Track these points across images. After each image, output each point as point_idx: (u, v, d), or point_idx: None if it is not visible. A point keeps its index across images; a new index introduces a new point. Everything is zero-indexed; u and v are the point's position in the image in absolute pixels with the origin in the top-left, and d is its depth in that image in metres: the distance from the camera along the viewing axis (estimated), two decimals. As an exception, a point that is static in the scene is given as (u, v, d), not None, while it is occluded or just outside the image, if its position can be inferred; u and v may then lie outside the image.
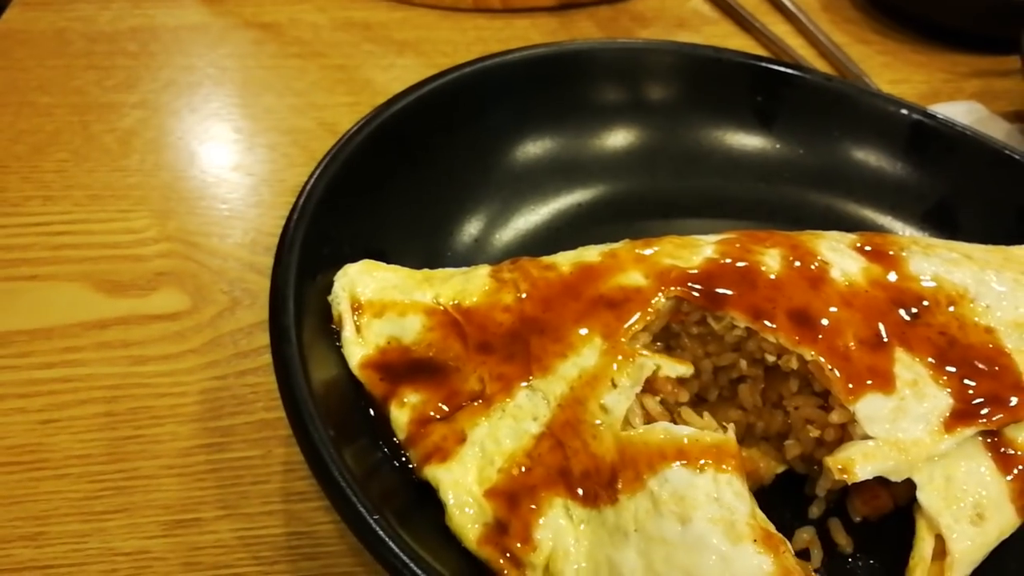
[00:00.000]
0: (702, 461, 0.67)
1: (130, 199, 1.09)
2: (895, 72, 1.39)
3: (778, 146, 1.09)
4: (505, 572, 0.67)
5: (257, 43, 1.36)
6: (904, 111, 1.05)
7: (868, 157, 1.06)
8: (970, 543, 0.71)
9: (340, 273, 0.82)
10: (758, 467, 0.77)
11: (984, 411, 0.74)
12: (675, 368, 0.74)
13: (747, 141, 1.09)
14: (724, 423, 0.74)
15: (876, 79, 1.34)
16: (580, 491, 0.68)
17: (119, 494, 0.81)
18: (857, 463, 0.71)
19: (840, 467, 0.71)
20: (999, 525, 0.73)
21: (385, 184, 0.92)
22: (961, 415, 0.74)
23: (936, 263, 0.83)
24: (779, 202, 1.06)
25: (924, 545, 0.72)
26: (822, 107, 1.08)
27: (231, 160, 1.16)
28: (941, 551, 0.72)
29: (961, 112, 1.24)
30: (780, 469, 0.79)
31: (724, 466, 0.67)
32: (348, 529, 0.65)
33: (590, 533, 0.67)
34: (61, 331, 0.94)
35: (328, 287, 0.82)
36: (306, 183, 0.84)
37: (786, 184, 1.06)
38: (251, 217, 1.08)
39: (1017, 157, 1.00)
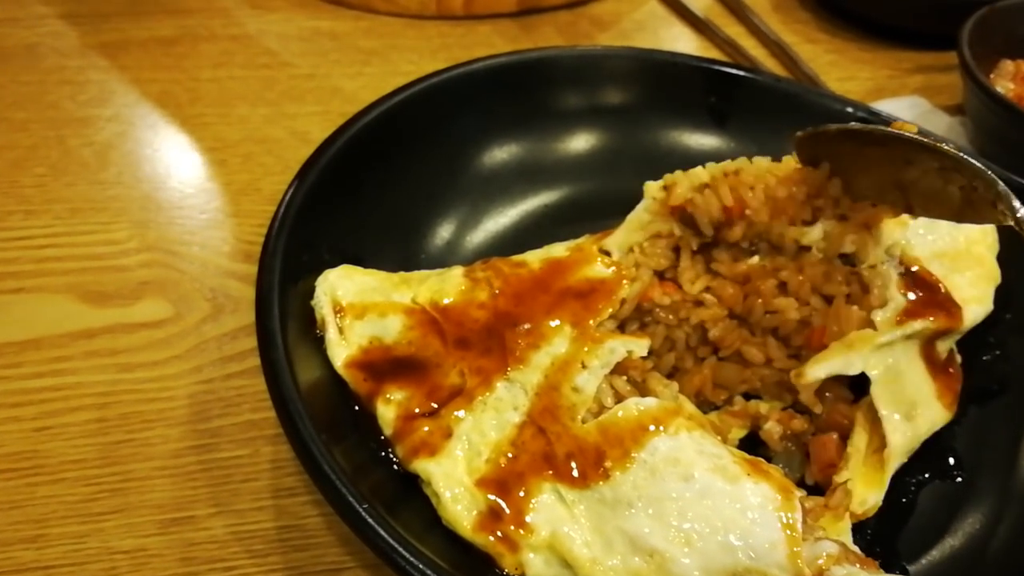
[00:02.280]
0: (674, 425, 0.74)
1: (110, 211, 1.12)
2: (842, 70, 1.45)
3: (732, 144, 1.14)
4: (501, 555, 0.72)
5: (227, 54, 1.39)
6: (848, 109, 1.11)
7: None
8: (903, 436, 0.83)
9: (321, 278, 0.86)
10: (724, 432, 0.84)
11: (929, 312, 0.86)
12: (636, 344, 0.80)
13: (703, 140, 1.15)
14: (686, 385, 0.84)
15: (825, 77, 1.41)
16: (567, 473, 0.73)
17: (115, 496, 0.85)
18: (810, 365, 0.81)
19: (796, 372, 0.81)
20: (929, 420, 0.86)
21: (360, 192, 0.96)
22: (910, 313, 0.85)
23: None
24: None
25: (859, 438, 0.83)
26: (772, 106, 1.13)
27: (208, 170, 1.20)
28: (875, 447, 0.83)
29: (905, 107, 1.31)
30: (743, 433, 0.86)
31: (690, 423, 0.75)
32: (339, 520, 0.69)
33: (588, 511, 0.72)
34: (50, 341, 0.97)
35: (310, 292, 0.86)
36: (285, 193, 0.88)
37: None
38: (230, 226, 1.12)
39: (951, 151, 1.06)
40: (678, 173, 0.88)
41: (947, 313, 0.88)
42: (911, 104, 1.33)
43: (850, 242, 0.85)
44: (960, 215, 0.79)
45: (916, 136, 0.79)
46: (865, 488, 0.82)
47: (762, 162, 0.88)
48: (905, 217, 0.87)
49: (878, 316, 0.84)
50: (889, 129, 0.80)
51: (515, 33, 1.49)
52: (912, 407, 0.85)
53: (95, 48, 1.38)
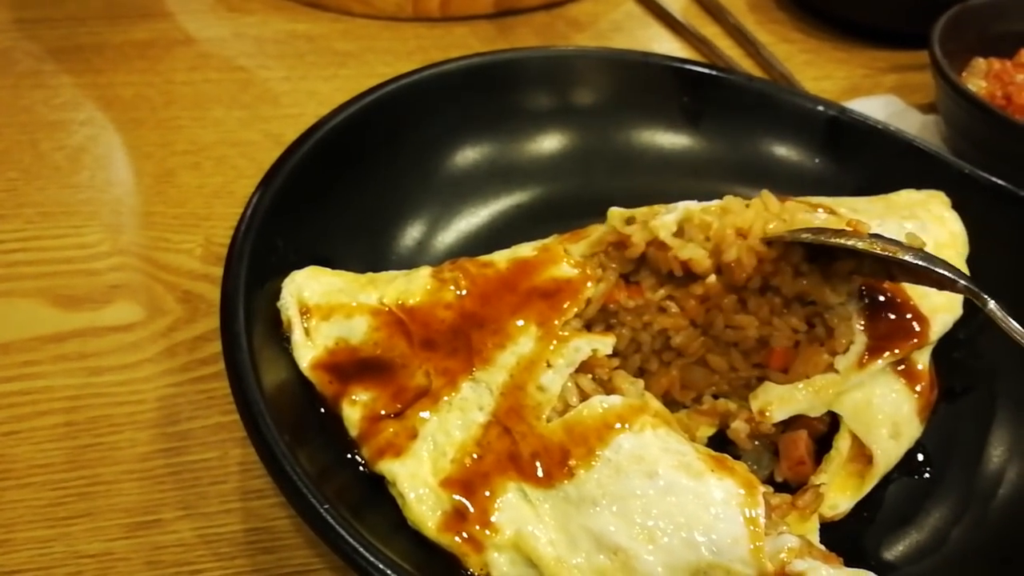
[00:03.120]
0: (639, 422, 0.74)
1: (82, 215, 1.12)
2: (818, 69, 1.46)
3: (705, 144, 1.14)
4: (466, 555, 0.71)
5: (202, 57, 1.39)
6: (820, 108, 1.12)
7: (789, 152, 1.13)
8: (889, 455, 0.84)
9: (288, 280, 0.86)
10: (692, 430, 0.84)
11: (892, 344, 0.85)
12: (601, 342, 0.80)
13: (676, 140, 1.15)
14: (653, 385, 0.83)
15: (800, 76, 1.41)
16: (532, 472, 0.73)
17: (82, 500, 0.84)
18: (775, 406, 0.81)
19: (760, 410, 0.81)
20: (910, 437, 0.86)
21: (329, 193, 0.96)
22: (872, 351, 0.85)
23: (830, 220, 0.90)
24: (707, 196, 1.10)
25: (843, 442, 0.84)
26: (745, 106, 1.14)
27: (181, 173, 1.19)
28: (856, 454, 0.84)
29: (879, 106, 1.31)
30: (712, 431, 0.86)
31: (655, 420, 0.75)
32: (303, 522, 0.69)
33: (553, 510, 0.72)
34: (19, 346, 0.96)
35: (276, 294, 0.86)
36: (252, 195, 0.88)
37: (713, 179, 1.12)
38: (203, 229, 1.11)
39: (926, 149, 1.07)
40: (645, 211, 0.86)
41: (913, 337, 0.87)
42: (885, 103, 1.33)
43: (809, 294, 0.84)
44: (940, 287, 0.80)
45: (875, 251, 0.78)
46: (839, 493, 0.83)
47: (749, 210, 0.85)
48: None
49: (840, 363, 0.84)
50: (844, 243, 0.79)
51: (492, 34, 1.49)
52: (896, 427, 0.85)
53: (70, 52, 1.37)
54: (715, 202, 0.84)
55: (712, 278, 0.81)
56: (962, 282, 0.76)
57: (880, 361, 0.84)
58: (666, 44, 1.50)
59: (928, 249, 0.91)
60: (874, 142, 1.09)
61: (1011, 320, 0.73)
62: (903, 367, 0.86)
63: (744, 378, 0.86)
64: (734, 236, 0.80)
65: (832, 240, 0.79)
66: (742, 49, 1.49)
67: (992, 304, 0.74)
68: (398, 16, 1.49)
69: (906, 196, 1.00)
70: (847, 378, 0.83)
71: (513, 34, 1.50)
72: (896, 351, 0.85)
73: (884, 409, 0.84)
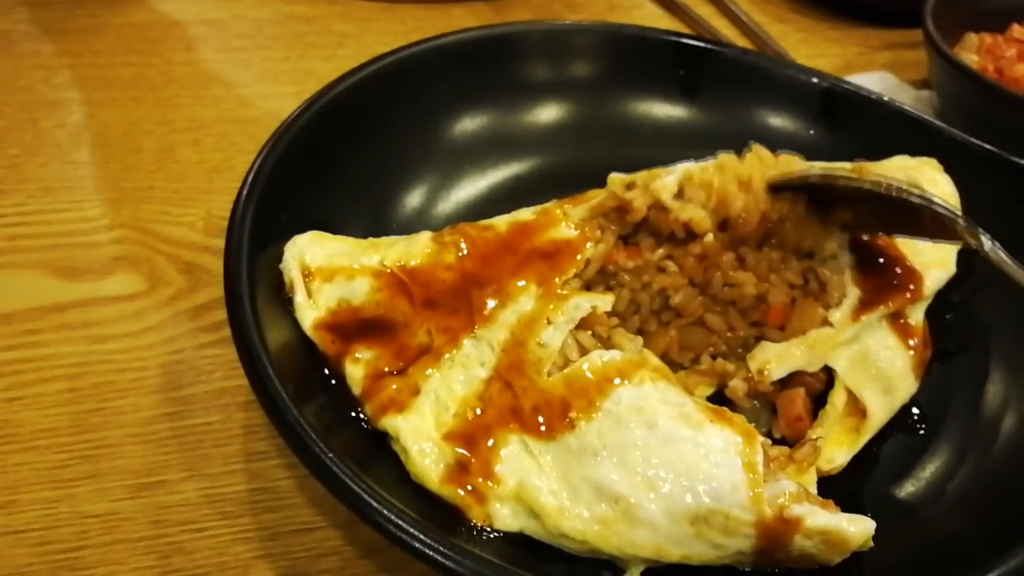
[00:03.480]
0: (638, 376, 0.75)
1: (83, 190, 1.12)
2: (812, 47, 1.47)
3: (701, 116, 1.16)
4: (469, 507, 0.72)
5: (202, 39, 1.40)
6: (815, 80, 1.13)
7: (784, 123, 1.14)
8: (883, 409, 0.85)
9: (290, 244, 0.87)
10: (691, 390, 0.84)
11: (885, 297, 0.87)
12: (601, 299, 0.81)
13: (672, 112, 1.16)
14: (651, 346, 0.84)
15: (795, 55, 1.42)
16: (534, 425, 0.74)
17: (86, 462, 0.85)
18: (773, 364, 0.82)
19: (758, 369, 0.81)
20: (904, 392, 0.87)
21: (330, 162, 0.97)
22: (866, 304, 0.86)
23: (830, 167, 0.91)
24: (704, 164, 1.12)
25: (838, 397, 0.85)
26: (739, 79, 1.15)
27: (182, 149, 1.20)
28: (851, 409, 0.85)
29: (873, 82, 1.33)
30: (710, 391, 0.87)
31: (655, 375, 0.76)
32: (310, 481, 0.69)
33: (554, 461, 0.73)
34: (21, 315, 0.97)
35: (279, 258, 0.86)
36: (255, 161, 0.89)
37: (709, 150, 1.10)
38: (203, 203, 1.12)
39: (919, 118, 1.08)
40: (645, 175, 0.86)
41: (906, 291, 0.89)
42: (879, 79, 1.34)
43: (807, 243, 0.86)
44: (935, 236, 0.81)
45: (880, 190, 0.80)
46: (835, 447, 0.84)
47: (746, 162, 0.86)
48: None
49: (835, 316, 0.86)
50: (852, 182, 0.81)
51: (489, 16, 1.50)
52: (889, 382, 0.86)
53: (69, 33, 1.38)
54: (711, 160, 0.85)
55: (710, 236, 0.81)
56: (962, 221, 0.76)
57: (874, 314, 0.85)
58: (661, 24, 1.51)
59: None
60: (868, 112, 1.10)
61: (1009, 257, 0.74)
62: (898, 323, 0.88)
63: (742, 338, 0.87)
64: (737, 189, 0.81)
65: (842, 181, 0.79)
66: (737, 29, 1.50)
67: (988, 244, 0.74)
68: (395, -3, 1.50)
69: (899, 161, 1.02)
70: (841, 331, 0.84)
71: (510, 15, 1.51)
72: (889, 304, 0.87)
73: (878, 364, 0.86)
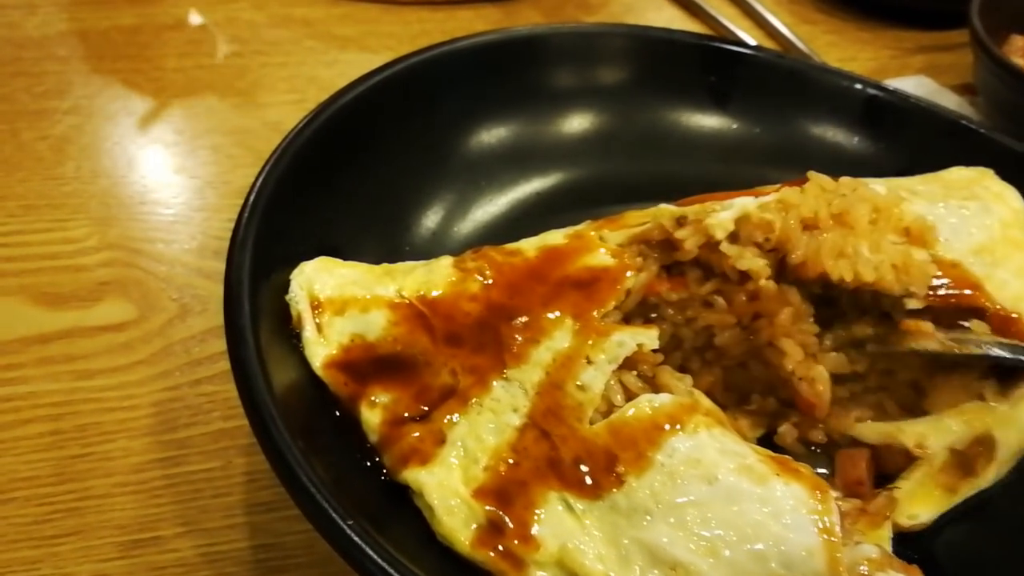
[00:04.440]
0: (692, 422, 0.67)
1: (67, 208, 1.04)
2: (842, 51, 1.40)
3: (734, 125, 1.08)
4: (505, 572, 0.64)
5: (193, 43, 1.31)
6: (858, 85, 1.05)
7: (824, 132, 1.06)
8: (997, 474, 0.77)
9: (296, 271, 0.78)
10: (742, 430, 0.77)
11: None
12: (646, 335, 0.73)
13: (703, 122, 1.09)
14: (693, 385, 0.75)
15: (824, 58, 1.35)
16: (576, 480, 0.66)
17: (71, 516, 0.77)
18: (931, 438, 0.75)
19: (916, 444, 0.74)
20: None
21: (338, 179, 0.88)
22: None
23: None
24: (738, 182, 1.04)
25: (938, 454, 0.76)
26: (776, 84, 1.07)
27: (173, 163, 1.12)
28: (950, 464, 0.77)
29: (910, 87, 1.25)
30: (760, 433, 0.79)
31: (708, 419, 0.68)
32: (320, 537, 0.61)
33: (600, 521, 0.65)
34: (0, 348, 0.88)
35: (284, 287, 0.78)
36: (256, 179, 0.80)
37: (744, 163, 1.05)
38: (197, 221, 1.04)
39: (972, 127, 1.00)
40: (697, 209, 0.77)
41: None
42: (917, 83, 1.27)
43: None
44: None
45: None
46: (921, 504, 0.75)
47: (806, 195, 0.77)
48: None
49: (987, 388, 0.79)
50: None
51: (498, 18, 1.43)
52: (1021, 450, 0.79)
53: (53, 38, 1.29)
54: (771, 196, 0.77)
55: (769, 282, 0.73)
56: None
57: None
58: (682, 26, 1.43)
59: (995, 231, 0.85)
60: (916, 120, 1.03)
61: None
62: None
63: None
64: (800, 232, 0.73)
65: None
66: (762, 30, 1.42)
67: None
68: (399, -1, 1.42)
69: (957, 174, 0.94)
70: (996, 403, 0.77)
71: (520, 18, 1.43)
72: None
73: None
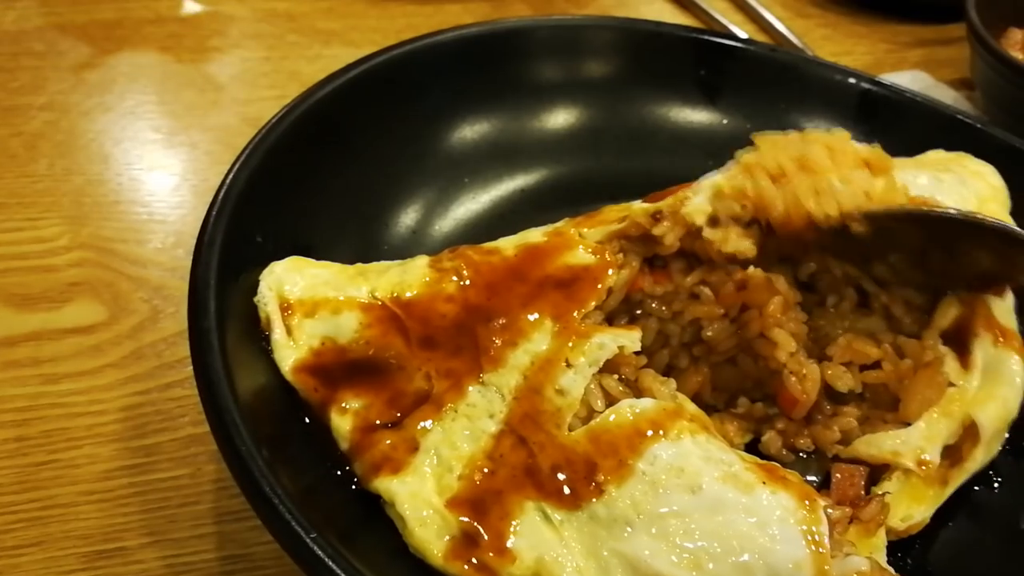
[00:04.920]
0: (675, 428, 0.64)
1: (39, 206, 1.01)
2: (837, 44, 1.37)
3: (725, 121, 1.05)
4: None
5: (173, 37, 1.28)
6: (852, 80, 1.03)
7: (817, 127, 1.02)
8: (987, 454, 0.76)
9: (266, 272, 0.76)
10: (729, 435, 0.75)
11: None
12: (628, 337, 0.70)
13: (693, 117, 1.06)
14: (681, 386, 0.73)
15: (818, 52, 1.32)
16: (554, 489, 0.63)
17: (33, 526, 0.75)
18: (929, 450, 0.72)
19: (918, 461, 0.71)
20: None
21: (312, 175, 0.86)
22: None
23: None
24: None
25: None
26: (767, 79, 1.05)
27: (149, 161, 1.09)
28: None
29: (906, 81, 1.22)
30: (747, 438, 0.77)
31: (693, 425, 0.65)
32: (285, 552, 0.59)
33: (579, 532, 0.62)
34: (-36, 351, 0.86)
35: (253, 288, 0.75)
36: (226, 176, 0.78)
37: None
38: (172, 220, 1.02)
39: (969, 121, 0.98)
40: (671, 202, 0.75)
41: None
42: (913, 78, 1.24)
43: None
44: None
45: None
46: (913, 502, 0.72)
47: (766, 147, 0.76)
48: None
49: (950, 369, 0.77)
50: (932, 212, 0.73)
51: (486, 12, 1.40)
52: (1009, 414, 0.76)
53: (30, 33, 1.26)
54: (730, 163, 0.75)
55: (757, 270, 0.70)
56: None
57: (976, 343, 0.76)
58: (675, 20, 1.41)
59: (971, 203, 0.83)
60: (911, 115, 1.00)
61: None
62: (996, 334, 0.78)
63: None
64: (771, 186, 0.71)
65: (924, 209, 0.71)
66: (755, 25, 1.39)
67: None
68: (385, -7, 1.39)
69: (934, 155, 0.93)
70: (968, 382, 0.75)
71: (509, 11, 1.41)
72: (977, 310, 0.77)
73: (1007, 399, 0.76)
